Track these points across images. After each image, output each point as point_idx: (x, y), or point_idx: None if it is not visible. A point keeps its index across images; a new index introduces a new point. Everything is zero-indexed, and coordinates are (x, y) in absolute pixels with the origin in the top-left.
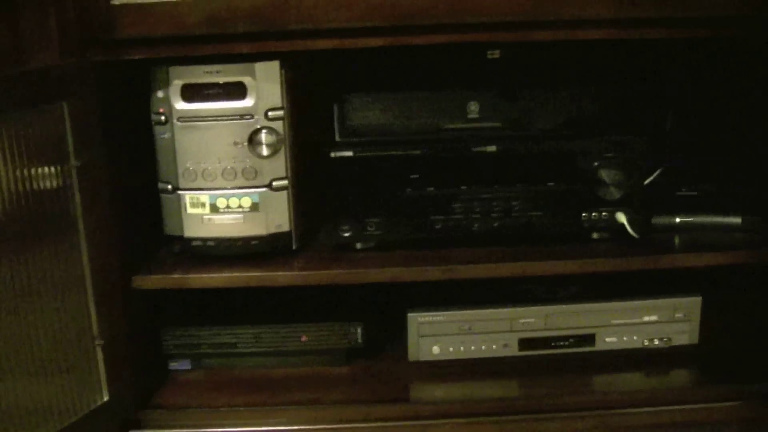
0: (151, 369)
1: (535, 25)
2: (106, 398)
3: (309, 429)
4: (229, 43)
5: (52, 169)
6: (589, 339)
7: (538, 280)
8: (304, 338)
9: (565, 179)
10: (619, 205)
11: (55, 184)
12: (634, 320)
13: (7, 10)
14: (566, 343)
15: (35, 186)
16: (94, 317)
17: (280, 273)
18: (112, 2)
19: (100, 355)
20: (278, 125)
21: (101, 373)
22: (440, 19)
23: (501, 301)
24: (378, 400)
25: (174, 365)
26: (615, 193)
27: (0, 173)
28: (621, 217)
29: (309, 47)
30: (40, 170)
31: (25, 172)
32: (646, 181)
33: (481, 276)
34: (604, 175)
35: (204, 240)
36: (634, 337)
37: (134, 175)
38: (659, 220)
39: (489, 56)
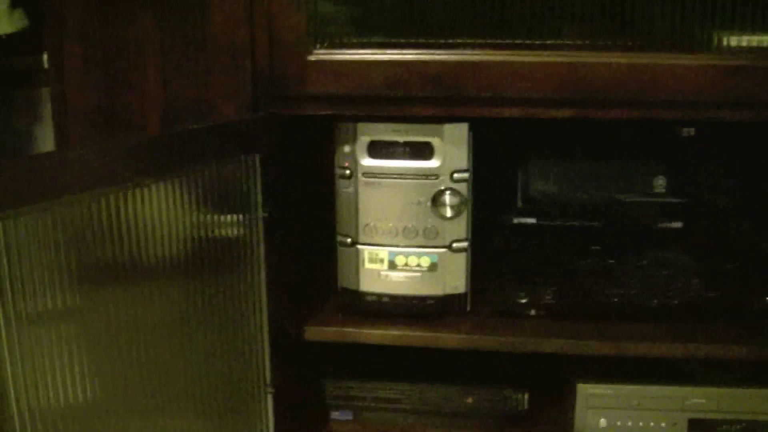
0: (314, 417)
1: (721, 104)
2: None
3: None
4: (409, 106)
5: (240, 217)
6: (763, 427)
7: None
8: (469, 400)
9: (751, 259)
10: None
11: (240, 233)
12: None
13: (198, 61)
14: (738, 427)
15: (222, 233)
16: (267, 365)
17: (451, 335)
18: (309, 58)
19: (270, 403)
20: (462, 187)
21: (269, 420)
22: (625, 96)
23: (671, 377)
24: None
25: (335, 415)
26: None
27: (188, 220)
28: None
29: (490, 115)
30: (228, 218)
31: (214, 218)
32: None
33: (655, 355)
34: None
35: (379, 296)
36: None
37: (313, 227)
38: None
39: (685, 134)
